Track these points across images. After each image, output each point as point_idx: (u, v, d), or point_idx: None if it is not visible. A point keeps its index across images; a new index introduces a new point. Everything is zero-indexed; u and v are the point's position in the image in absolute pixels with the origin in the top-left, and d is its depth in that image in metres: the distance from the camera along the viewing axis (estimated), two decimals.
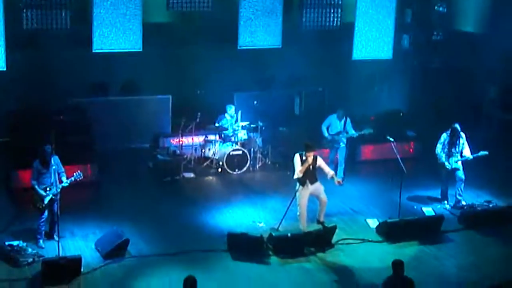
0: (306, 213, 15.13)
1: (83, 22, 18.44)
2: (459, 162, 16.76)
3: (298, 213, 15.15)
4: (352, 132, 17.87)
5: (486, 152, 16.55)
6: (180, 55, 19.73)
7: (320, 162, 15.12)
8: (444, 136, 16.78)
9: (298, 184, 15.00)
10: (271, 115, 19.86)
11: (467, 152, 16.68)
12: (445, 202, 17.05)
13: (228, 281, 13.44)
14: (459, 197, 16.99)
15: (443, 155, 16.72)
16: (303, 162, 14.85)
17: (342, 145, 17.92)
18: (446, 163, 16.68)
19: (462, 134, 16.69)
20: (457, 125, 16.62)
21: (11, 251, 13.68)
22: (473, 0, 21.29)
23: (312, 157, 14.81)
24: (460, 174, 16.82)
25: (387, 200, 16.88)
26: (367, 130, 17.78)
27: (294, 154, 15.08)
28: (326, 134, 17.94)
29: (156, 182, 17.91)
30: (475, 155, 16.60)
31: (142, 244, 14.48)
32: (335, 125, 17.84)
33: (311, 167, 14.86)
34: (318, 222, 15.41)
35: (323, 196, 15.24)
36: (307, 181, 14.95)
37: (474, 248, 15.12)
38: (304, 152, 14.88)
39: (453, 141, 16.66)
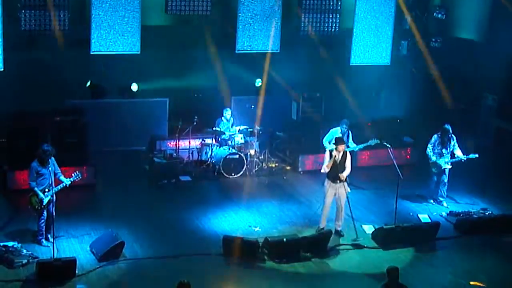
0: (329, 210, 15.20)
1: (81, 23, 18.42)
2: (449, 164, 17.02)
3: (321, 208, 15.26)
4: (357, 146, 17.71)
5: (476, 155, 16.87)
6: (178, 58, 19.70)
7: (348, 159, 15.13)
8: (435, 137, 17.14)
9: (326, 180, 15.07)
10: (268, 120, 19.85)
11: (459, 153, 16.99)
12: (432, 200, 17.36)
13: (222, 285, 13.41)
14: (441, 198, 17.39)
15: (434, 155, 16.98)
16: (331, 157, 14.93)
17: None
18: (439, 161, 16.91)
19: (453, 136, 16.96)
20: (448, 126, 16.95)
21: (6, 252, 13.65)
22: (472, 8, 21.31)
23: (341, 152, 14.86)
24: (445, 176, 17.15)
25: (383, 206, 16.90)
26: (372, 142, 17.59)
27: (325, 150, 15.36)
28: (330, 149, 17.70)
29: (152, 185, 17.88)
30: (466, 156, 16.89)
31: (137, 247, 14.45)
32: None
33: (337, 162, 14.88)
34: (336, 232, 15.39)
35: (342, 200, 15.21)
36: (337, 177, 15.00)
37: (469, 256, 15.11)
38: (335, 148, 14.95)
39: (443, 142, 16.98)
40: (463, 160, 16.98)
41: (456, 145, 17.05)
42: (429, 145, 17.14)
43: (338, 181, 15.02)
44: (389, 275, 11.50)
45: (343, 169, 15.08)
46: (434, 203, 17.34)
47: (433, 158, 17.04)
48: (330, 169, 15.00)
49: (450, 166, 17.11)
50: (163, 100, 20.25)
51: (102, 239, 14.19)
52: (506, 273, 14.44)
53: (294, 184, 18.57)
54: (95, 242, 14.23)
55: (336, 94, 20.84)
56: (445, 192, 17.35)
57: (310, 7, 20.06)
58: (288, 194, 17.84)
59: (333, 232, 15.19)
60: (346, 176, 15.14)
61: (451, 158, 17.06)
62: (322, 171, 15.16)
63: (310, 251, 14.55)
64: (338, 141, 15.22)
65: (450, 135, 16.97)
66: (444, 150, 16.99)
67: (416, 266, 14.43)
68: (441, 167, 17.00)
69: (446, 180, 17.23)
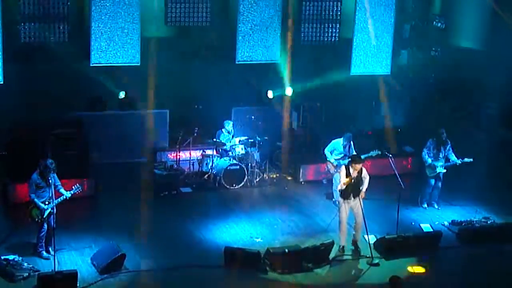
0: (346, 225, 15.04)
1: (81, 35, 18.43)
2: (444, 168, 17.26)
3: (337, 225, 15.15)
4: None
5: (471, 159, 17.09)
6: (178, 69, 19.69)
7: (365, 176, 15.05)
8: (430, 141, 17.34)
9: (339, 196, 14.98)
10: (268, 130, 19.82)
11: (454, 157, 17.18)
12: (426, 205, 17.60)
13: None
14: (432, 202, 17.66)
15: (430, 158, 17.20)
16: (348, 174, 14.81)
17: None
18: (435, 163, 17.12)
19: (448, 140, 17.23)
20: (442, 130, 17.16)
21: (7, 266, 13.59)
22: (472, 16, 21.32)
23: (358, 170, 14.79)
24: (439, 181, 17.39)
25: (385, 216, 16.83)
26: (374, 153, 17.60)
27: (341, 165, 15.34)
28: (331, 159, 17.77)
29: (153, 196, 17.82)
30: (461, 160, 17.10)
31: (138, 259, 14.39)
32: (339, 150, 17.70)
33: (352, 180, 14.79)
34: (354, 242, 15.26)
35: (359, 214, 15.08)
36: (351, 195, 14.91)
37: (472, 265, 15.05)
38: (350, 164, 14.89)
39: (438, 147, 17.21)
40: (458, 164, 17.19)
41: (451, 150, 17.27)
42: (425, 149, 17.38)
43: (352, 198, 14.93)
44: (392, 285, 11.46)
45: (359, 185, 14.95)
46: (427, 207, 17.56)
47: (429, 161, 17.22)
48: (346, 187, 14.89)
49: (445, 170, 17.32)
50: (163, 111, 20.22)
51: (103, 252, 14.14)
52: (509, 282, 14.37)
53: (296, 195, 18.52)
54: (96, 254, 14.18)
55: (336, 103, 20.81)
56: (437, 195, 17.60)
57: (310, 17, 20.07)
58: (289, 205, 17.79)
59: (351, 242, 15.15)
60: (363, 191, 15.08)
61: (445, 163, 17.22)
62: (338, 188, 15.02)
63: (312, 262, 14.49)
64: (356, 160, 14.99)
65: (445, 139, 17.17)
66: (439, 155, 17.21)
67: (419, 276, 14.35)
68: (436, 170, 17.15)
69: (440, 185, 17.46)
